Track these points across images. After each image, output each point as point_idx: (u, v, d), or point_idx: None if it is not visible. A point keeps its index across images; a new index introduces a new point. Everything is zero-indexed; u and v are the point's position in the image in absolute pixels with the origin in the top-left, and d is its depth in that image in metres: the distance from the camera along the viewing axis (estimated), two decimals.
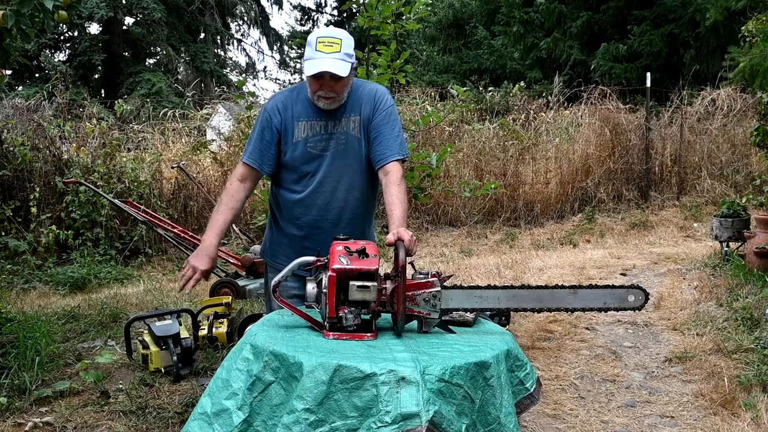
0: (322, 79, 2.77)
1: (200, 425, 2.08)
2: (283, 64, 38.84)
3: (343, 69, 2.72)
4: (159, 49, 30.84)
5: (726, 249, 7.37)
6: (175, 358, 4.29)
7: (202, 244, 2.83)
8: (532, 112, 13.54)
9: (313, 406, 1.88)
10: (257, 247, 6.94)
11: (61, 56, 29.63)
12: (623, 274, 7.52)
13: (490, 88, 15.40)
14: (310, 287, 2.34)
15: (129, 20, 29.79)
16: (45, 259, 8.70)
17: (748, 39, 6.78)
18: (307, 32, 34.16)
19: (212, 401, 2.11)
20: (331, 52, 2.71)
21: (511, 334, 2.45)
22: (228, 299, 5.25)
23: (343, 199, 2.94)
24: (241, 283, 6.60)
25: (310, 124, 2.90)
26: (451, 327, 2.44)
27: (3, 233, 8.55)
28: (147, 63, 31.14)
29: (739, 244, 7.29)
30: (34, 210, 8.97)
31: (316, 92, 2.82)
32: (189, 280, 2.74)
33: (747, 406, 3.83)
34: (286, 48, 37.55)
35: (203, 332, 4.82)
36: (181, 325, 4.55)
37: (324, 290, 2.24)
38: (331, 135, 2.90)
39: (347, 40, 2.78)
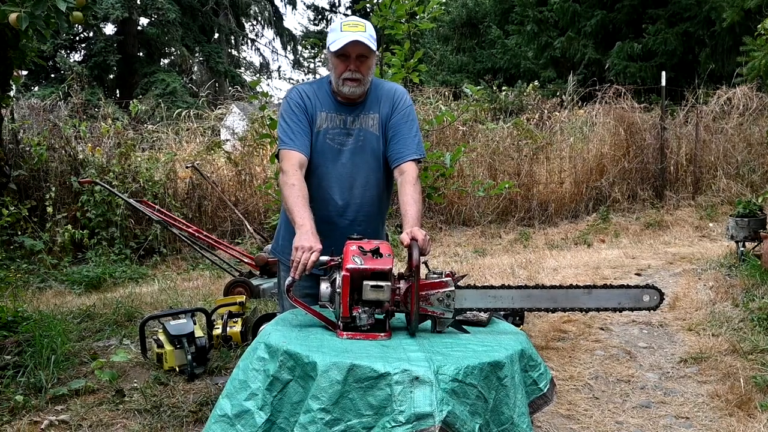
0: (347, 60, 2.77)
1: (222, 427, 2.07)
2: (297, 64, 39.01)
3: (370, 43, 2.75)
4: (173, 49, 31.01)
5: (742, 249, 7.31)
6: (189, 357, 4.30)
7: (300, 228, 2.52)
8: (546, 111, 13.50)
9: (328, 405, 1.89)
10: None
11: (77, 57, 29.90)
12: (638, 274, 7.47)
13: (503, 88, 15.40)
14: (324, 287, 2.34)
15: (143, 21, 30.02)
16: (60, 258, 8.78)
17: (764, 37, 6.71)
18: (321, 32, 34.29)
19: (231, 403, 2.11)
20: (357, 31, 2.74)
21: (525, 334, 2.45)
22: (242, 298, 5.28)
23: (360, 195, 2.93)
24: (255, 282, 6.63)
25: (331, 116, 2.89)
26: (465, 327, 2.43)
27: (19, 233, 8.62)
28: (161, 63, 31.34)
29: (755, 243, 7.24)
30: (50, 209, 9.05)
31: (341, 74, 2.80)
32: (308, 261, 2.39)
33: (763, 407, 3.80)
34: (299, 48, 37.70)
35: (218, 331, 4.84)
36: (195, 324, 4.56)
37: (338, 290, 2.24)
38: (349, 131, 2.90)
39: (370, 27, 2.81)
